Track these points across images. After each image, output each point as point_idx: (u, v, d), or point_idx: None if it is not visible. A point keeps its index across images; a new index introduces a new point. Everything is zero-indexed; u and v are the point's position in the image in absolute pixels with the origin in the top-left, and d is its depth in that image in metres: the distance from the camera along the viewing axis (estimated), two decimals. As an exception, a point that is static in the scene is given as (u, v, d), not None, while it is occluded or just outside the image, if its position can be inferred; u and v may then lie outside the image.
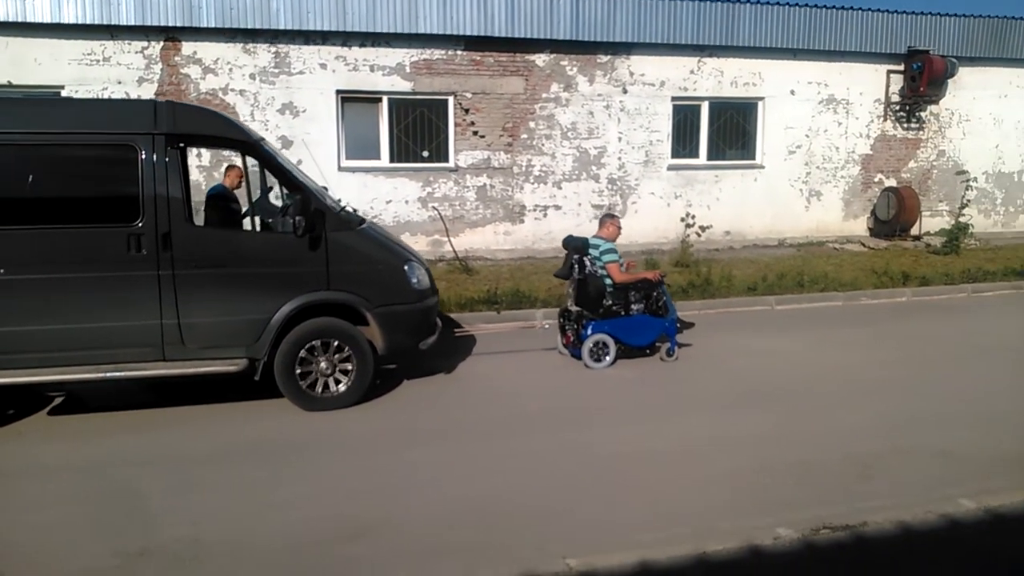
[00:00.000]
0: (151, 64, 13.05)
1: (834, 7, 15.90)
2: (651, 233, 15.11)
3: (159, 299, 6.17)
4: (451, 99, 14.35)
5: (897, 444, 5.79)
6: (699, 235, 14.23)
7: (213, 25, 12.97)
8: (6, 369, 5.99)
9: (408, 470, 5.34)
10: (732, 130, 16.38)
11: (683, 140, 15.96)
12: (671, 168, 15.67)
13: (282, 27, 13.23)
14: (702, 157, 16.10)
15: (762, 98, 16.11)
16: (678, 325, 8.26)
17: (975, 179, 15.94)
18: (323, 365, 6.59)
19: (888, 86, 16.82)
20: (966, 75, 17.00)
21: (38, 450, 5.82)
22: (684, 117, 15.88)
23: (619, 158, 15.36)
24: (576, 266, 7.98)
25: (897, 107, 16.97)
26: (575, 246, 8.08)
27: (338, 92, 13.81)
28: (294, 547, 4.21)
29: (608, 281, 8.11)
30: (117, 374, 6.20)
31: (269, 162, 6.90)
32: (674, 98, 15.57)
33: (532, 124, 14.79)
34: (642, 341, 8.17)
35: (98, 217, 6.17)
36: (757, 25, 15.46)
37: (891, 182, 17.05)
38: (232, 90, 13.40)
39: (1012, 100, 17.78)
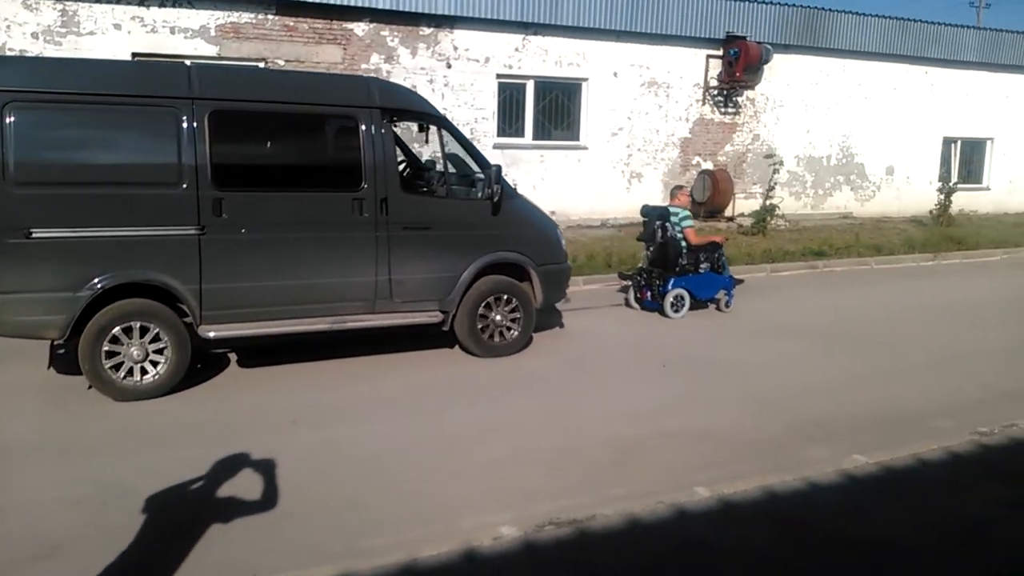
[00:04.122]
0: (-93, 16, 11.57)
1: (656, -10, 16.09)
2: (475, 212, 14.81)
3: (375, 258, 6.89)
4: (262, 66, 13.52)
5: (662, 426, 5.80)
6: (523, 214, 14.11)
7: (-15, -24, 11.62)
8: (245, 322, 6.53)
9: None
10: (558, 110, 16.36)
11: (509, 119, 15.80)
12: (496, 147, 15.39)
13: (69, -18, 12.03)
14: (528, 136, 16.00)
15: (586, 79, 16.15)
16: (734, 281, 9.76)
17: (781, 162, 16.61)
18: (498, 318, 7.51)
19: (707, 71, 17.28)
20: (780, 62, 17.71)
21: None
22: (510, 95, 15.71)
23: (443, 135, 14.98)
24: (659, 231, 9.14)
25: (715, 91, 17.47)
26: (658, 214, 9.28)
27: (134, 55, 12.69)
28: None
29: (683, 244, 9.31)
30: (340, 325, 6.89)
31: (459, 137, 7.63)
32: (499, 75, 15.35)
33: (351, 97, 14.17)
34: (708, 294, 9.57)
35: (327, 183, 6.91)
36: (581, 4, 15.43)
37: (708, 165, 17.57)
38: (11, 50, 12.03)
39: (822, 87, 18.70)
